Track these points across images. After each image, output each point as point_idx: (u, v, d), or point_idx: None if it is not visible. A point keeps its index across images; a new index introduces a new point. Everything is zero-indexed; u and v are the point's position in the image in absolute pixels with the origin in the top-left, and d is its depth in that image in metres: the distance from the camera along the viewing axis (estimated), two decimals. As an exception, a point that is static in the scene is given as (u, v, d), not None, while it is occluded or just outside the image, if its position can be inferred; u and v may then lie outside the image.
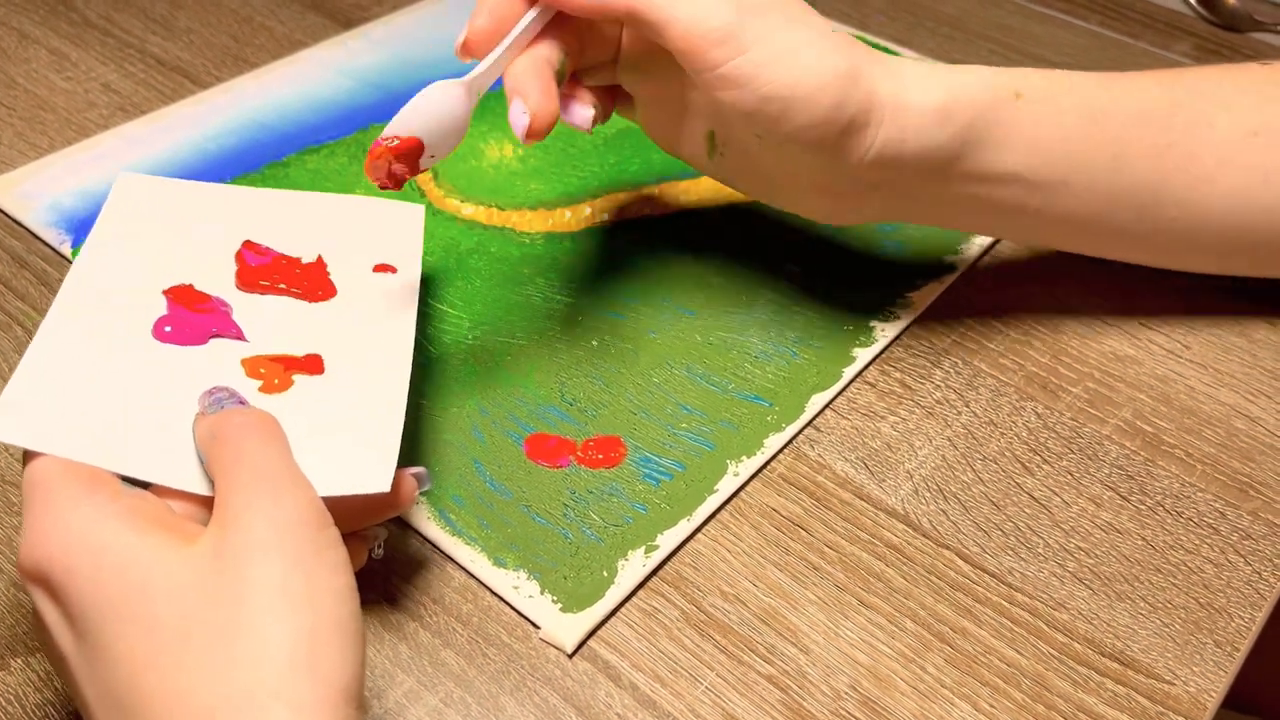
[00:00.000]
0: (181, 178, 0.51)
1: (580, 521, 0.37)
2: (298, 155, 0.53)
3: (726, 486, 0.39)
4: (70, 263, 0.46)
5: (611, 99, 0.43)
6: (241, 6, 0.65)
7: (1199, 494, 0.40)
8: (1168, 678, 0.34)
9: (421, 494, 0.34)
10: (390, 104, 0.56)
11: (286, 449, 0.30)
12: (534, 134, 0.35)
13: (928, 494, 0.39)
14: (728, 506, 0.39)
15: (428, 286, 0.46)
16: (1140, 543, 0.38)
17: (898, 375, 0.44)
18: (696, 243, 0.49)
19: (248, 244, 0.40)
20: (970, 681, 0.34)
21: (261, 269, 0.39)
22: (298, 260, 0.40)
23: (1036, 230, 0.43)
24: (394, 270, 0.41)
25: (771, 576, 0.37)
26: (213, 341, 0.36)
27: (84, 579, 0.27)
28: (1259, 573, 0.37)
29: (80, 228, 0.48)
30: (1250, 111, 0.41)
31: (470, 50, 0.37)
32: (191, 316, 0.37)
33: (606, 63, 0.41)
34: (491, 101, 0.57)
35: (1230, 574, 0.37)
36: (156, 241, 0.39)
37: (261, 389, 0.35)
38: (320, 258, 0.40)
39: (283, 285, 0.39)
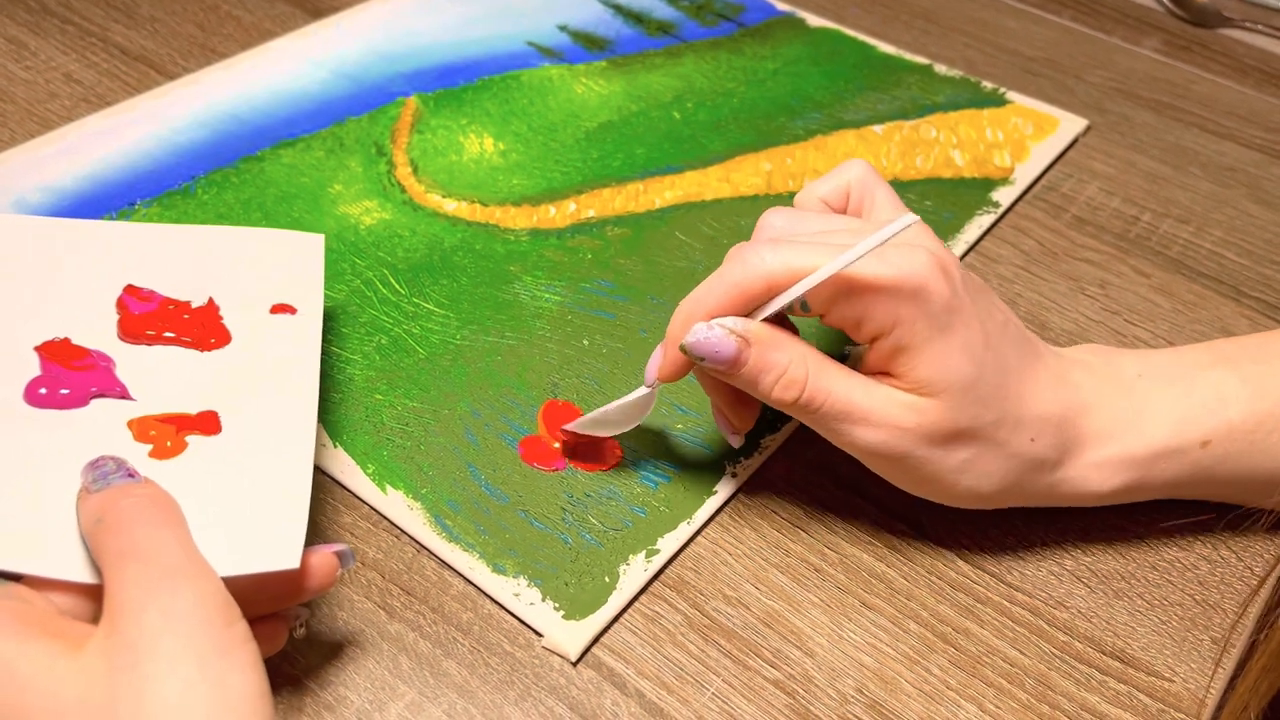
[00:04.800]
0: (152, 173, 0.49)
1: (579, 525, 0.37)
2: (272, 149, 0.51)
3: (725, 488, 0.38)
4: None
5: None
6: (206, -6, 0.63)
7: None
8: (1167, 675, 0.35)
9: (344, 570, 0.32)
10: (363, 95, 0.55)
11: (184, 532, 0.27)
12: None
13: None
14: (727, 508, 0.38)
15: (414, 285, 0.45)
16: (1134, 539, 0.38)
17: (890, 373, 0.44)
18: (685, 239, 0.49)
19: (130, 289, 0.37)
20: (975, 683, 0.34)
21: (146, 316, 0.36)
22: (186, 304, 0.37)
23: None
24: (294, 310, 0.37)
25: (773, 579, 0.36)
26: (94, 402, 0.33)
27: None
28: (1251, 568, 0.38)
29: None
30: None
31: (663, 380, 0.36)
32: (69, 375, 0.33)
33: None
34: (469, 93, 0.56)
35: (1224, 570, 0.38)
36: (25, 291, 0.36)
37: (152, 454, 0.32)
38: (211, 300, 0.37)
39: (170, 334, 0.35)
